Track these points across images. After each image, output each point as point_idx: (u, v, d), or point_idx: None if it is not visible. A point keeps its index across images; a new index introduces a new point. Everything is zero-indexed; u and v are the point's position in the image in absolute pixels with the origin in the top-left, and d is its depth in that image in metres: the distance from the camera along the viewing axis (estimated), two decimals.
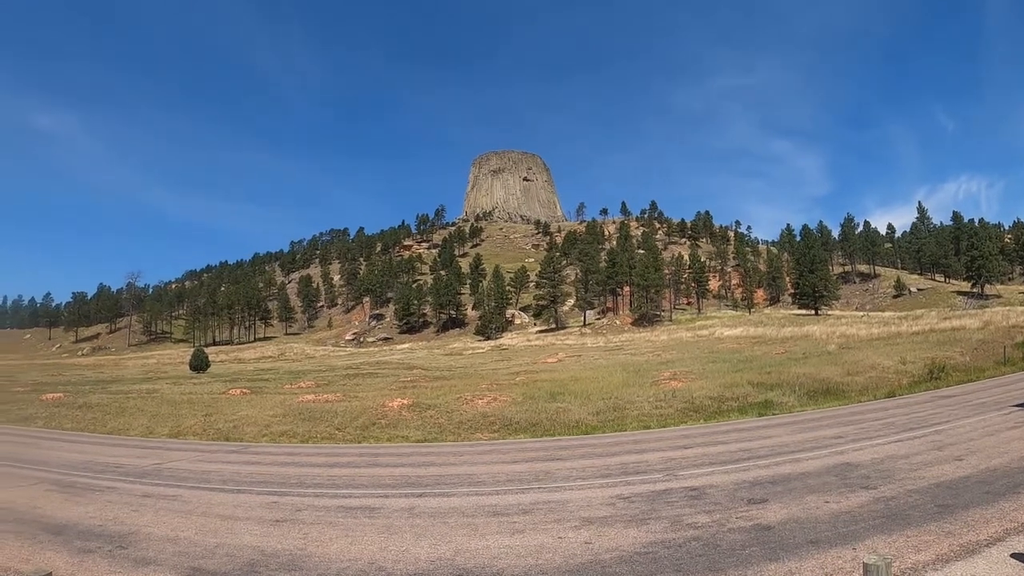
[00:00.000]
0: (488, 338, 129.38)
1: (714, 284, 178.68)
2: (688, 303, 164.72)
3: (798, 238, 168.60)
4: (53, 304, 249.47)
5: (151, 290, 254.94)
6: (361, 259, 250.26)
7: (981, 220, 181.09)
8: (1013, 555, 8.48)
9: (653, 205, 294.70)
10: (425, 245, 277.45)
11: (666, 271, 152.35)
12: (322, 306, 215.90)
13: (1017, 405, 23.00)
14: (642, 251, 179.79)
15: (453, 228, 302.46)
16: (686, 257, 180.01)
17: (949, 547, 8.89)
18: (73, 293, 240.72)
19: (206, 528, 12.01)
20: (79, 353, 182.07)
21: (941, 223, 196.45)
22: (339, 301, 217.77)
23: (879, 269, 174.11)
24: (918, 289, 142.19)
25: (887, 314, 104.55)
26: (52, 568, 9.24)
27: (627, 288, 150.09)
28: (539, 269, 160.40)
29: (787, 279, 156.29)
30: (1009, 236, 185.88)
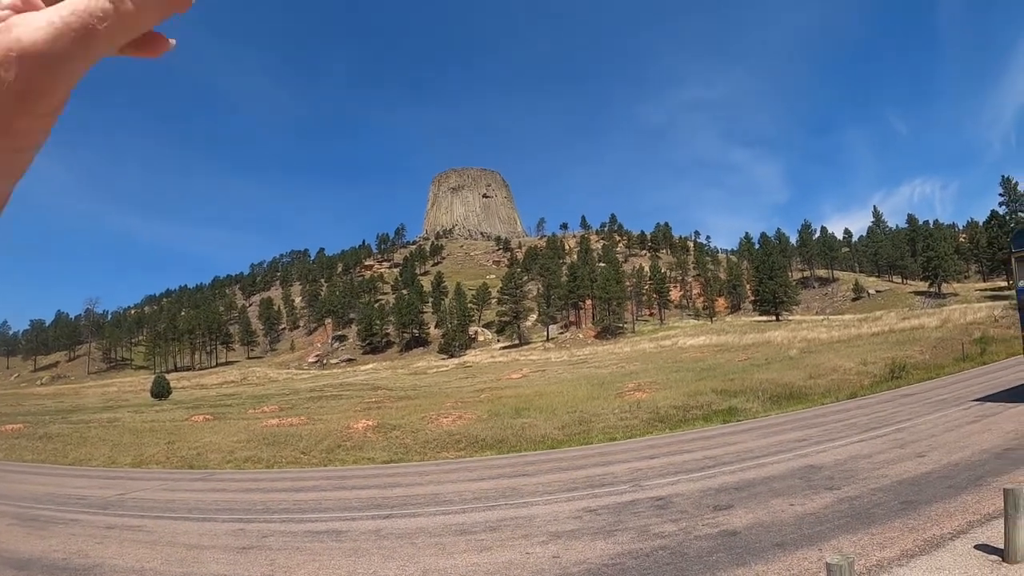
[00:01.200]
0: (452, 356, 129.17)
1: (675, 294, 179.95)
2: (650, 314, 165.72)
3: (757, 246, 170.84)
4: (10, 332, 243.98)
5: (110, 316, 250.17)
6: (322, 280, 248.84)
7: (936, 221, 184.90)
8: (976, 547, 8.59)
9: (613, 218, 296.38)
10: (386, 264, 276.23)
11: (627, 283, 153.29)
12: (284, 328, 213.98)
13: (976, 400, 23.39)
14: (603, 264, 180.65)
15: (414, 247, 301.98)
16: (647, 269, 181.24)
17: (913, 542, 8.98)
18: (31, 320, 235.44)
19: (172, 558, 11.76)
20: (38, 382, 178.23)
21: (897, 226, 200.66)
22: (301, 323, 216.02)
23: (837, 273, 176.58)
24: (876, 291, 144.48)
25: (847, 317, 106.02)
26: None
27: (589, 301, 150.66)
28: (501, 285, 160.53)
29: (747, 287, 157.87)
30: (963, 235, 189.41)
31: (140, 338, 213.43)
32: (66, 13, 0.53)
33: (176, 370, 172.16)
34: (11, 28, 0.52)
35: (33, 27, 0.52)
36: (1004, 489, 8.16)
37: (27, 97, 0.54)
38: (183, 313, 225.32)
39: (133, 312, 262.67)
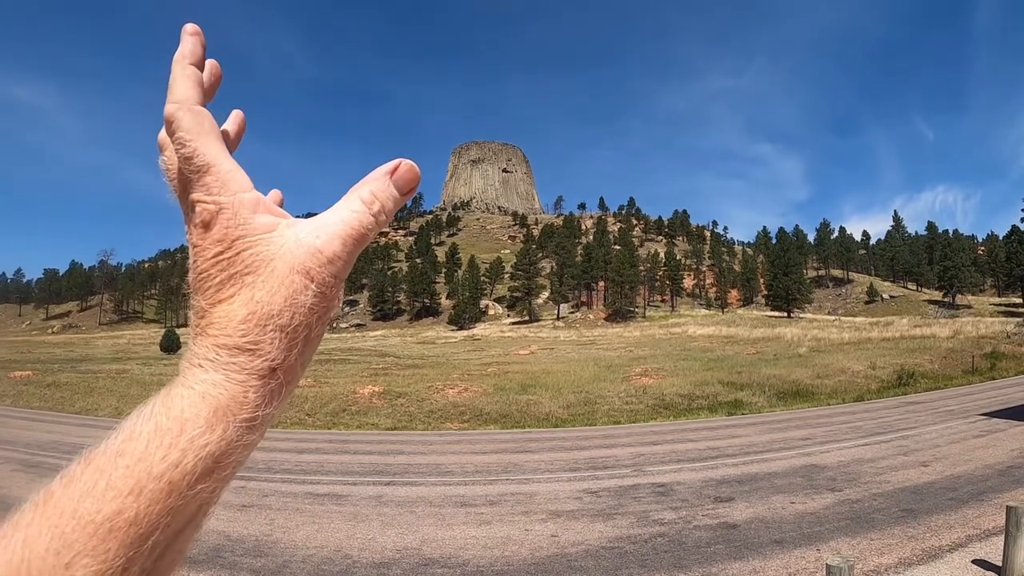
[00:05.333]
0: (461, 328, 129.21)
1: (689, 283, 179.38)
2: (662, 300, 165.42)
3: (774, 241, 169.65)
4: (24, 280, 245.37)
5: (124, 268, 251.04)
6: None
7: (955, 231, 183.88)
8: (975, 561, 8.59)
9: (631, 202, 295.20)
10: (402, 232, 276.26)
11: (641, 268, 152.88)
12: None
13: (983, 415, 23.25)
14: (618, 247, 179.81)
15: (430, 216, 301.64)
16: (662, 255, 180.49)
17: (912, 551, 8.98)
18: (45, 269, 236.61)
19: None
20: (49, 331, 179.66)
21: (916, 232, 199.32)
22: None
23: (853, 275, 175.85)
24: (890, 296, 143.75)
25: (859, 319, 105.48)
26: None
27: (602, 283, 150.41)
28: (515, 261, 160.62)
29: (761, 281, 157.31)
30: (982, 248, 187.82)
31: (153, 292, 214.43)
32: (354, 232, 0.61)
33: (187, 325, 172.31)
34: (323, 252, 0.59)
35: (342, 253, 0.60)
36: (1007, 506, 8.13)
37: (335, 307, 0.62)
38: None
39: (147, 266, 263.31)
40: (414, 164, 0.67)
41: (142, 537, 0.50)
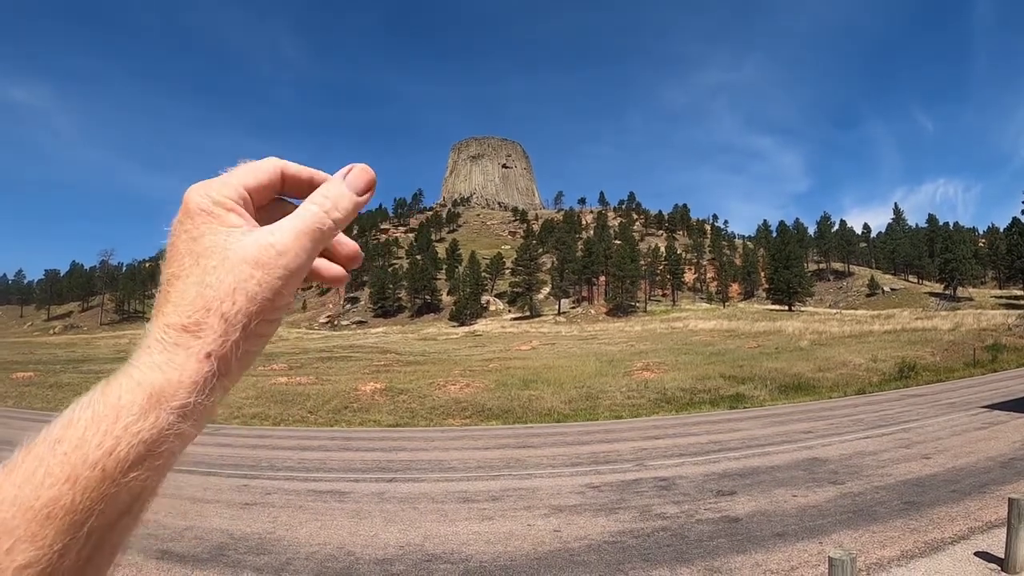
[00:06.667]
0: (462, 324, 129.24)
1: (689, 277, 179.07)
2: (663, 295, 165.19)
3: (774, 234, 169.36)
4: (25, 281, 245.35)
5: (124, 268, 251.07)
6: None
7: (956, 223, 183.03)
8: (977, 553, 8.60)
9: (631, 196, 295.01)
10: (402, 229, 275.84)
11: (642, 262, 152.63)
12: (296, 288, 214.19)
13: (985, 406, 23.28)
14: (619, 242, 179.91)
15: (430, 213, 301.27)
16: (662, 249, 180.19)
17: (914, 544, 8.99)
18: (46, 270, 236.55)
19: (175, 510, 11.88)
20: (51, 332, 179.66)
21: (916, 225, 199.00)
22: (313, 283, 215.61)
23: (854, 268, 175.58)
24: (891, 289, 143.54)
25: (860, 312, 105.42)
26: None
27: (603, 278, 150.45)
28: (515, 256, 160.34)
29: (762, 274, 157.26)
30: (983, 240, 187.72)
31: (154, 291, 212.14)
32: (305, 227, 0.66)
33: None
34: (275, 246, 0.64)
35: (294, 246, 0.65)
36: (1009, 499, 8.14)
37: (283, 306, 0.66)
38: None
39: (148, 265, 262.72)
40: (368, 166, 0.73)
41: (78, 524, 0.52)
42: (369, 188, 0.72)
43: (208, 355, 0.60)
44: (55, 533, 0.51)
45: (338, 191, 0.70)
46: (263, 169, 0.70)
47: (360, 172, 0.72)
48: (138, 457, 0.55)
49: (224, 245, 0.63)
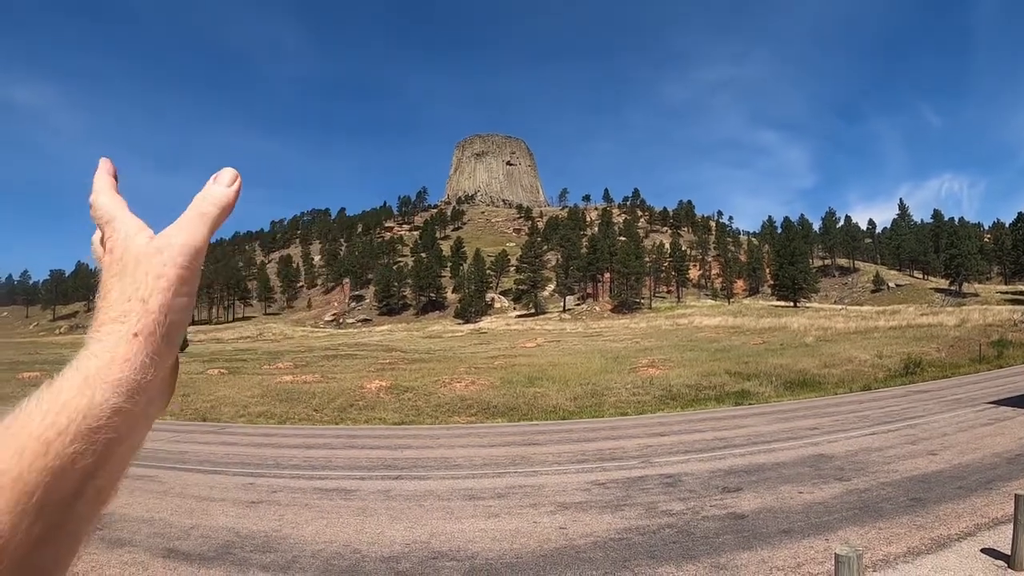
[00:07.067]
0: (467, 321, 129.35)
1: (694, 273, 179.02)
2: (668, 291, 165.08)
3: (779, 230, 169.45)
4: (31, 281, 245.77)
5: None
6: (342, 240, 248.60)
7: (961, 219, 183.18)
8: (983, 550, 8.58)
9: (636, 193, 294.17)
10: (407, 227, 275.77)
11: (647, 259, 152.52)
12: (302, 286, 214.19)
13: (991, 403, 23.21)
14: (623, 238, 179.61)
15: (435, 211, 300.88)
16: (667, 246, 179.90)
17: (920, 540, 8.98)
18: (51, 270, 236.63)
19: (181, 509, 11.92)
20: (56, 331, 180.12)
21: (922, 220, 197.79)
22: (319, 282, 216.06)
23: (859, 264, 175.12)
24: (897, 285, 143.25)
25: (865, 308, 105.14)
26: None
27: (607, 275, 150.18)
28: (520, 253, 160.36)
29: (767, 270, 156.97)
30: (988, 236, 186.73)
31: None
32: (191, 212, 0.76)
33: (193, 323, 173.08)
34: (169, 233, 0.75)
35: (186, 227, 0.75)
36: (1016, 495, 8.12)
37: (191, 279, 0.74)
38: (202, 267, 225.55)
39: None
40: (232, 168, 0.81)
41: (27, 494, 0.56)
42: (233, 180, 0.80)
43: (135, 334, 0.68)
44: (4, 503, 0.55)
45: (208, 189, 0.78)
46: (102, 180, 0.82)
47: (223, 171, 0.80)
48: (78, 431, 0.61)
49: (125, 246, 0.73)
